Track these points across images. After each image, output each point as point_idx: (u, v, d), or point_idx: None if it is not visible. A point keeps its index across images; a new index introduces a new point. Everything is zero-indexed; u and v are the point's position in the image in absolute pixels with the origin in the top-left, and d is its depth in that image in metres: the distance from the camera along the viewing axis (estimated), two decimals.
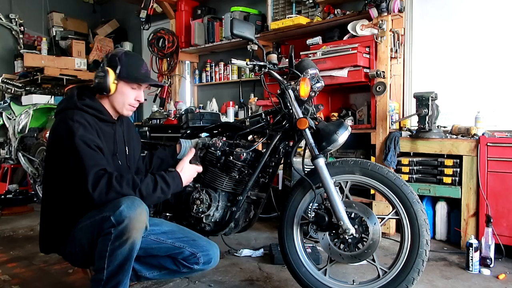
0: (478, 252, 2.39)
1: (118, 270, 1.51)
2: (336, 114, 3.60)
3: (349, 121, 3.46)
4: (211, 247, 1.80)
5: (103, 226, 1.49)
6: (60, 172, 1.64)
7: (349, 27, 3.34)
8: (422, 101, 2.89)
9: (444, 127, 3.03)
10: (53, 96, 4.89)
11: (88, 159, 1.54)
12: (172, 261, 1.76)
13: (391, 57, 3.18)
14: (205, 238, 1.86)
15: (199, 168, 1.86)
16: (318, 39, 3.52)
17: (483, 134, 2.71)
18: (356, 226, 1.77)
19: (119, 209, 1.47)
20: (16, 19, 5.66)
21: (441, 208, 2.95)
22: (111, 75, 1.66)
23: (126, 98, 1.72)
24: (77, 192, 1.55)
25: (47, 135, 3.99)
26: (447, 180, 2.82)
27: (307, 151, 1.93)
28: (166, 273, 1.82)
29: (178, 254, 1.74)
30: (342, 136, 1.84)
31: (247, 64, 1.98)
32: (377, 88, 3.13)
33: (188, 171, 1.77)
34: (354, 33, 3.30)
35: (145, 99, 1.98)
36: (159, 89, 4.81)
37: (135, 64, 1.72)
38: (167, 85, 4.94)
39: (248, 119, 2.18)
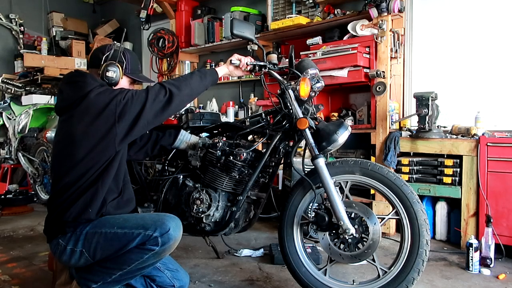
0: (478, 252, 2.39)
1: (132, 275, 1.65)
2: (336, 114, 3.60)
3: (349, 121, 3.46)
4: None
5: (146, 243, 1.58)
6: (90, 148, 1.62)
7: (349, 27, 3.34)
8: (422, 101, 2.89)
9: (444, 127, 3.03)
10: (53, 96, 4.89)
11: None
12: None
13: (391, 57, 3.18)
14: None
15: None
16: (318, 39, 3.52)
17: (483, 134, 2.71)
18: (356, 226, 1.78)
19: (167, 232, 1.58)
20: (16, 19, 5.66)
21: (441, 208, 2.95)
22: (121, 71, 1.78)
23: None
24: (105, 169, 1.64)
25: (47, 134, 4.00)
26: (447, 180, 2.82)
27: (307, 151, 1.93)
28: None
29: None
30: (342, 136, 1.84)
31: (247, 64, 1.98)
32: (377, 88, 3.13)
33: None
34: (354, 33, 3.30)
35: None
36: None
37: (135, 62, 1.87)
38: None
39: (248, 119, 2.18)
